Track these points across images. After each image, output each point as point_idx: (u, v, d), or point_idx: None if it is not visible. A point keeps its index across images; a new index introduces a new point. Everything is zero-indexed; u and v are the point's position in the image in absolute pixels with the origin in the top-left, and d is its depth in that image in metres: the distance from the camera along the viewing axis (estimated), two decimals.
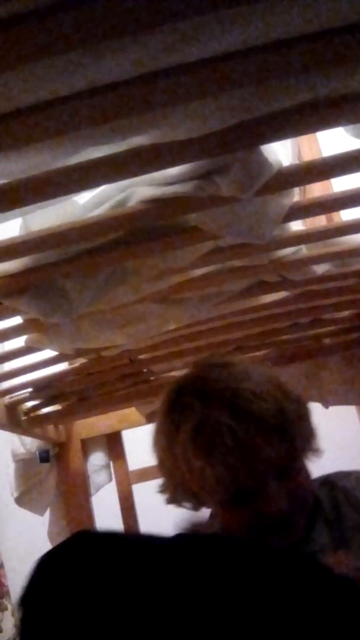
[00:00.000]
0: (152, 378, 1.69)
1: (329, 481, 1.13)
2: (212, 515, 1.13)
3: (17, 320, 1.06)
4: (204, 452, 0.96)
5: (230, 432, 0.94)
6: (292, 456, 1.00)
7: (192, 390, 1.02)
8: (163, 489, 1.10)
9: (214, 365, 1.07)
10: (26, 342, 1.17)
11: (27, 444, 1.85)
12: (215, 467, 0.95)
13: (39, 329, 1.10)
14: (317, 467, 1.13)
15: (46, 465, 1.92)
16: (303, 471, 1.03)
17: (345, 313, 1.43)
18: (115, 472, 2.11)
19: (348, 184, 0.88)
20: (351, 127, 0.73)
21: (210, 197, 0.75)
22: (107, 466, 2.10)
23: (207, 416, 0.97)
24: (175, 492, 1.07)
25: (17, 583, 2.86)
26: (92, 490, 2.05)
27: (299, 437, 1.01)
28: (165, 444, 1.03)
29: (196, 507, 1.09)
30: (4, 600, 2.81)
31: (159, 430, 1.06)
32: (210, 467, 0.95)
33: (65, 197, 0.77)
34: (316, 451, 1.05)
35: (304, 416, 1.05)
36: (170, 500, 1.10)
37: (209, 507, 1.09)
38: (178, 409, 1.02)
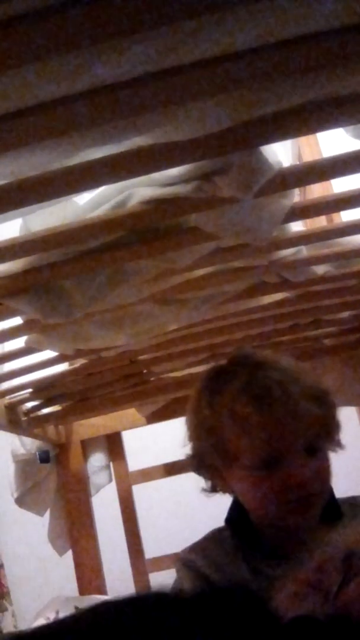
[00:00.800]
0: (152, 379, 1.69)
1: (352, 501, 1.14)
2: (234, 504, 1.13)
3: (17, 320, 1.06)
4: (253, 400, 0.98)
5: (279, 387, 0.98)
6: (325, 432, 1.03)
7: (236, 362, 1.07)
8: (194, 454, 1.10)
9: (255, 350, 1.14)
10: (26, 342, 1.17)
11: (27, 445, 1.85)
12: (262, 415, 0.97)
13: (39, 330, 1.10)
14: None
15: (46, 466, 1.92)
16: (327, 460, 1.05)
17: (345, 314, 1.43)
18: (115, 472, 2.11)
19: (348, 184, 0.88)
20: (351, 127, 0.73)
21: (210, 198, 0.75)
22: (107, 467, 2.10)
23: (256, 375, 1.01)
24: (210, 454, 1.06)
25: (17, 584, 2.87)
26: (92, 491, 2.05)
27: (332, 415, 1.05)
28: (207, 403, 1.05)
29: (217, 484, 1.10)
30: (4, 601, 2.81)
31: (204, 393, 1.07)
32: (258, 414, 0.97)
33: (65, 197, 0.77)
34: (339, 445, 1.08)
35: (334, 404, 1.07)
36: (199, 468, 1.11)
37: (229, 486, 1.09)
38: (223, 375, 1.06)
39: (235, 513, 1.11)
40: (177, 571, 1.13)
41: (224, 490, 1.11)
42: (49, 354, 1.28)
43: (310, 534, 0.98)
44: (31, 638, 0.57)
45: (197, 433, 1.09)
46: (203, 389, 1.09)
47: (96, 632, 0.53)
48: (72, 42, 0.51)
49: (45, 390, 1.54)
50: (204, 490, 1.13)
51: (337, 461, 1.06)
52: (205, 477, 1.12)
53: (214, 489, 1.11)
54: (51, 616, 1.67)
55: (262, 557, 1.05)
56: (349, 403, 1.84)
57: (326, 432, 1.04)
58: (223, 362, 1.13)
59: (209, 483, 1.12)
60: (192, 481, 1.12)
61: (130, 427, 2.05)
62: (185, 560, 1.12)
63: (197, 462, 1.10)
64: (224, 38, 0.54)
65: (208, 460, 1.08)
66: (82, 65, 0.53)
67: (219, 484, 1.10)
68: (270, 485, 0.99)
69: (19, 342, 1.19)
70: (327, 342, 1.63)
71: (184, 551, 1.15)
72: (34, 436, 1.81)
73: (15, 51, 0.50)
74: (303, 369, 1.07)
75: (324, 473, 1.03)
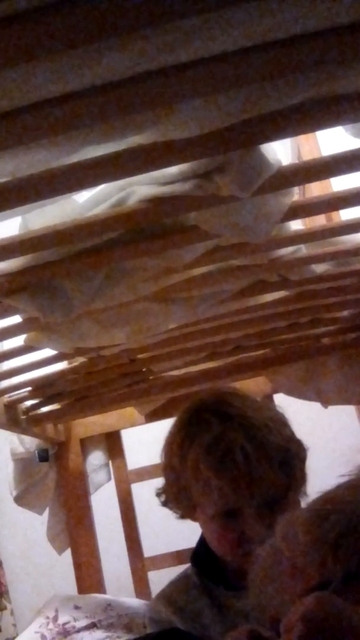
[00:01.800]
0: (151, 377, 1.69)
1: None
2: (201, 538, 1.22)
3: (16, 319, 1.06)
4: (215, 464, 1.05)
5: (242, 453, 1.04)
6: (287, 491, 1.09)
7: (211, 410, 1.13)
8: (162, 492, 1.18)
9: (232, 394, 1.21)
10: (25, 341, 1.17)
11: (26, 443, 1.85)
12: (221, 480, 1.04)
13: (38, 328, 1.10)
14: (317, 467, 1.13)
15: (45, 465, 1.92)
16: (292, 507, 1.09)
17: (345, 313, 1.43)
18: (114, 471, 2.11)
19: (347, 183, 0.88)
20: (351, 126, 0.73)
21: (209, 196, 0.75)
22: (106, 465, 2.10)
23: (223, 434, 1.06)
24: (175, 497, 1.16)
25: (16, 582, 2.87)
26: (91, 489, 2.05)
27: (297, 475, 1.11)
28: (178, 451, 1.12)
29: (185, 515, 1.19)
30: (2, 599, 2.81)
31: (174, 440, 1.16)
32: (217, 479, 1.04)
33: (64, 195, 0.77)
34: (304, 495, 1.14)
35: (303, 458, 1.14)
36: (166, 503, 1.20)
37: (195, 519, 1.18)
38: (195, 422, 1.13)
39: (201, 546, 1.17)
40: (148, 627, 1.22)
41: (193, 521, 1.20)
42: (48, 352, 1.28)
43: None
44: None
45: (166, 474, 1.18)
46: (177, 431, 1.17)
47: None
48: (70, 40, 0.51)
49: (44, 389, 1.54)
50: (175, 515, 1.22)
51: (337, 460, 1.06)
52: (173, 511, 1.21)
53: (182, 517, 1.21)
54: (50, 615, 1.67)
55: (225, 588, 1.10)
56: (348, 402, 1.84)
57: (288, 490, 1.09)
58: (203, 399, 1.20)
59: (178, 513, 1.20)
60: None
61: (130, 426, 2.05)
62: (152, 613, 1.21)
63: (165, 499, 1.20)
64: (223, 36, 0.54)
65: (173, 500, 1.18)
66: (80, 63, 0.53)
67: (186, 516, 1.20)
68: (230, 535, 1.08)
69: (18, 341, 1.19)
70: (326, 340, 1.64)
71: (152, 601, 1.26)
72: (33, 434, 1.81)
73: (13, 49, 0.50)
74: (276, 422, 1.12)
75: None
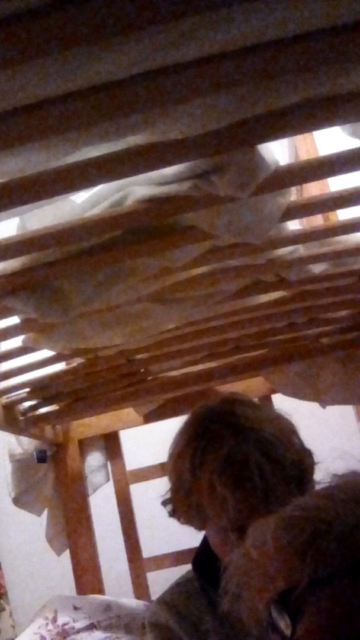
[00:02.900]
0: (149, 378, 1.69)
1: None
2: (203, 541, 1.22)
3: (14, 320, 1.06)
4: (230, 482, 1.03)
5: (258, 469, 1.02)
6: None
7: (222, 421, 1.11)
8: (170, 503, 1.18)
9: (239, 401, 1.17)
10: (23, 342, 1.17)
11: (24, 444, 1.85)
12: (237, 497, 1.03)
13: (36, 329, 1.10)
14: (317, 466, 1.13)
15: (43, 466, 1.92)
16: None
17: (342, 313, 1.43)
18: (112, 472, 2.11)
19: (345, 183, 0.88)
20: (348, 126, 0.73)
21: (207, 197, 0.75)
22: (105, 466, 2.10)
23: (237, 449, 1.05)
24: (186, 512, 1.14)
25: (14, 583, 2.86)
26: (90, 490, 2.05)
27: (309, 489, 1.09)
28: (189, 466, 1.10)
29: (193, 526, 1.17)
30: (1, 600, 2.80)
31: (183, 453, 1.13)
32: (233, 496, 1.03)
33: (62, 196, 0.77)
34: None
35: (313, 471, 1.12)
36: (173, 514, 1.18)
37: (202, 529, 1.17)
38: (206, 435, 1.10)
39: (203, 551, 1.16)
40: (147, 631, 1.21)
41: (199, 530, 1.19)
42: (46, 353, 1.28)
43: None
44: None
45: (175, 488, 1.16)
46: (188, 444, 1.13)
47: None
48: (69, 40, 0.51)
49: (42, 390, 1.54)
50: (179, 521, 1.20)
51: (336, 460, 1.06)
52: (179, 521, 1.19)
53: (188, 525, 1.19)
54: (49, 616, 1.67)
55: None
56: (345, 402, 1.84)
57: None
58: (210, 406, 1.17)
59: (182, 521, 1.19)
60: None
61: (128, 427, 2.05)
62: (152, 618, 1.20)
63: (172, 509, 1.18)
64: (220, 36, 0.54)
65: (183, 512, 1.15)
66: (79, 63, 0.53)
67: (193, 526, 1.18)
68: (236, 546, 1.03)
69: (16, 342, 1.19)
70: (324, 340, 1.64)
71: (152, 605, 1.25)
72: (31, 436, 1.81)
73: (12, 49, 0.50)
74: (287, 433, 1.10)
75: None
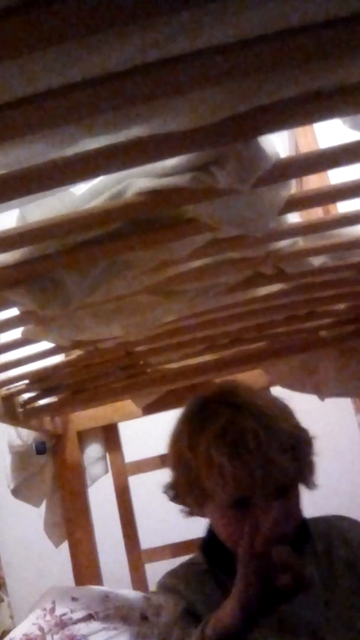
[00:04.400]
0: (148, 370, 1.69)
1: (325, 519, 1.21)
2: (208, 530, 1.20)
3: (13, 311, 1.06)
4: (227, 450, 1.04)
5: (254, 437, 1.03)
6: (295, 478, 1.09)
7: (220, 400, 1.13)
8: (171, 486, 1.18)
9: (236, 385, 1.20)
10: (23, 333, 1.17)
11: (23, 436, 1.86)
12: (235, 465, 1.03)
13: (35, 321, 1.10)
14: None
15: (42, 457, 1.92)
16: (297, 497, 1.11)
17: (342, 305, 1.43)
18: (111, 463, 2.12)
19: (345, 175, 0.88)
20: (348, 118, 0.73)
21: (207, 189, 0.75)
22: (103, 458, 2.10)
23: (234, 420, 1.06)
24: (186, 489, 1.14)
25: (13, 575, 2.87)
26: (89, 482, 2.05)
27: (306, 462, 1.11)
28: (188, 441, 1.11)
29: (194, 511, 1.17)
30: (0, 591, 2.81)
31: (182, 430, 1.15)
32: (231, 464, 1.03)
33: (62, 188, 0.77)
34: (312, 485, 1.14)
35: (311, 446, 1.13)
36: (175, 498, 1.18)
37: (205, 513, 1.15)
38: (205, 412, 1.12)
39: (210, 537, 1.16)
40: (160, 596, 1.20)
41: (201, 517, 1.18)
42: (45, 345, 1.28)
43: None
44: None
45: (175, 467, 1.16)
46: (186, 422, 1.15)
47: None
48: (69, 32, 0.50)
49: (41, 382, 1.54)
50: (182, 512, 1.20)
51: (333, 451, 1.07)
52: (182, 505, 1.19)
53: (191, 514, 1.19)
54: (47, 606, 1.68)
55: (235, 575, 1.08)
56: (344, 394, 1.84)
57: (297, 477, 1.10)
58: (208, 392, 1.19)
59: (186, 509, 1.19)
60: None
61: (127, 419, 2.05)
62: (167, 585, 1.19)
63: (174, 494, 1.18)
64: (221, 28, 0.54)
65: (183, 493, 1.15)
66: (79, 55, 0.53)
67: (195, 512, 1.18)
68: (240, 525, 1.04)
69: (16, 333, 1.19)
70: (323, 333, 1.64)
71: (165, 577, 1.22)
72: (31, 427, 1.81)
73: (12, 41, 0.50)
74: (283, 411, 1.12)
75: (293, 511, 1.09)
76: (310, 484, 1.13)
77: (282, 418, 1.09)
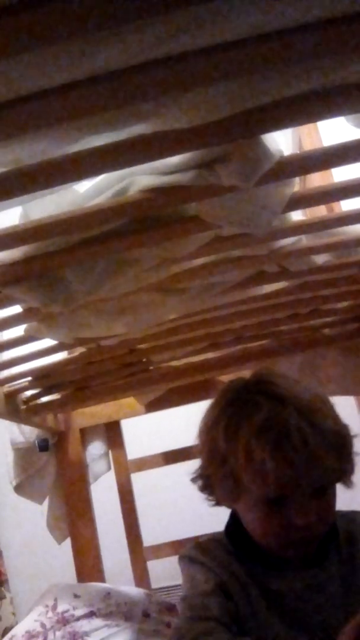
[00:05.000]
0: (151, 367, 1.69)
1: (351, 517, 1.15)
2: (232, 517, 1.15)
3: (16, 309, 1.06)
4: (270, 445, 0.98)
5: (299, 434, 0.97)
6: (337, 478, 1.03)
7: (258, 390, 1.05)
8: (201, 476, 1.11)
9: (276, 375, 1.11)
10: (25, 331, 1.17)
11: (26, 433, 1.86)
12: (277, 462, 0.97)
13: (38, 318, 1.10)
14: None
15: (45, 454, 1.92)
16: (334, 497, 1.05)
17: (345, 303, 1.43)
18: (113, 461, 2.12)
19: (348, 173, 0.88)
20: (352, 116, 0.73)
21: (210, 187, 0.75)
22: (106, 455, 2.11)
23: (276, 414, 0.99)
24: (220, 482, 1.08)
25: (15, 571, 2.88)
26: (91, 479, 2.06)
27: (348, 462, 1.05)
28: (225, 433, 1.05)
29: (225, 502, 1.11)
30: (2, 588, 2.82)
31: (218, 421, 1.07)
32: (274, 461, 0.97)
33: (65, 185, 0.77)
34: (351, 482, 1.07)
35: (353, 445, 1.07)
36: (205, 488, 1.12)
37: (236, 505, 1.11)
38: (242, 402, 1.05)
39: (233, 526, 1.12)
40: (186, 567, 1.14)
41: (229, 507, 1.13)
42: (48, 342, 1.29)
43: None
44: None
45: (209, 458, 1.09)
46: (221, 412, 1.08)
47: None
48: (72, 29, 0.50)
49: (44, 379, 1.54)
50: (208, 501, 1.14)
51: None
52: (209, 496, 1.13)
53: (218, 504, 1.13)
54: (49, 603, 1.68)
55: (260, 567, 1.07)
56: (347, 392, 1.84)
57: (338, 478, 1.04)
58: (244, 379, 1.12)
59: (213, 499, 1.13)
60: (191, 469, 1.12)
61: (129, 416, 2.05)
62: (191, 557, 1.13)
63: (204, 483, 1.12)
64: (225, 26, 0.53)
65: (215, 484, 1.09)
66: (82, 52, 0.53)
67: (223, 503, 1.12)
68: (275, 522, 1.01)
69: (19, 331, 1.19)
70: (326, 331, 1.64)
71: (186, 549, 1.16)
72: (33, 424, 1.81)
73: (15, 38, 0.50)
74: (325, 406, 1.05)
75: (329, 512, 1.04)
76: (349, 483, 1.07)
77: (327, 414, 1.03)
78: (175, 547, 2.00)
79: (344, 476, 1.05)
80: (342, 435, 1.03)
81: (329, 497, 1.03)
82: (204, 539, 1.18)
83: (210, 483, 1.10)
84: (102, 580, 1.94)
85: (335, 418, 1.05)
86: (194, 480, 1.12)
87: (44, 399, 1.69)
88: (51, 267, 0.92)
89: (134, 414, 2.02)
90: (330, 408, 1.07)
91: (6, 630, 2.54)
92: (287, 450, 0.97)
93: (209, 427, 1.09)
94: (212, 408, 1.10)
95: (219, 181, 0.73)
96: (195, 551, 1.14)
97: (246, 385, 1.09)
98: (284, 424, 0.98)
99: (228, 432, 1.04)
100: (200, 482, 1.12)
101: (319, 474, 0.99)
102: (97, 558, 1.98)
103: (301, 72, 0.61)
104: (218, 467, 1.06)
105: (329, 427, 1.00)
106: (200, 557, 1.11)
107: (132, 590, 1.81)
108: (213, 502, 1.13)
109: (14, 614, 2.79)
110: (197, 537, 1.30)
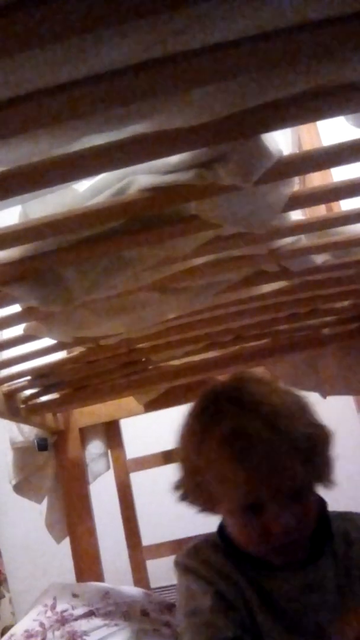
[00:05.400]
0: (150, 367, 1.69)
1: (347, 517, 1.15)
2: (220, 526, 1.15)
3: (15, 308, 1.06)
4: (237, 456, 0.98)
5: (265, 443, 0.97)
6: (310, 481, 1.03)
7: (228, 398, 1.06)
8: (179, 485, 1.12)
9: (250, 380, 1.12)
10: (25, 330, 1.17)
11: (25, 432, 1.86)
12: (245, 472, 0.98)
13: (37, 317, 1.10)
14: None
15: (44, 454, 1.92)
16: (313, 497, 1.05)
17: (344, 303, 1.43)
18: (113, 460, 2.12)
19: (348, 173, 0.88)
20: (352, 116, 0.73)
21: (210, 186, 0.75)
22: (105, 454, 2.11)
23: (243, 424, 1.00)
24: (194, 491, 1.09)
25: (14, 571, 2.88)
26: (90, 478, 2.05)
27: (321, 465, 1.04)
28: (196, 443, 1.06)
29: (205, 510, 1.11)
30: (1, 588, 2.82)
31: (190, 431, 1.09)
32: (239, 470, 0.98)
33: (64, 184, 0.77)
34: (330, 482, 1.06)
35: (328, 445, 1.06)
36: (184, 498, 1.12)
37: (217, 513, 1.11)
38: (212, 412, 1.06)
39: (222, 531, 1.12)
40: (181, 576, 1.13)
41: (213, 514, 1.13)
42: (47, 341, 1.28)
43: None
44: None
45: (183, 468, 1.11)
46: (191, 422, 1.09)
47: None
48: (72, 29, 0.50)
49: (43, 378, 1.54)
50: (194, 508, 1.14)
51: (336, 449, 1.06)
52: (192, 506, 1.13)
53: (203, 511, 1.12)
54: (48, 603, 1.68)
55: (254, 567, 1.06)
56: (347, 392, 1.84)
57: (312, 480, 1.04)
58: (217, 385, 1.13)
59: (197, 508, 1.13)
60: None
61: (129, 415, 2.05)
62: (185, 565, 1.13)
63: (183, 494, 1.12)
64: (225, 25, 0.53)
65: (192, 494, 1.10)
66: (82, 51, 0.53)
67: (206, 511, 1.12)
68: (253, 529, 1.01)
69: (18, 330, 1.19)
70: (325, 331, 1.64)
71: (180, 556, 1.16)
72: (32, 424, 1.81)
73: (15, 37, 0.50)
74: (297, 407, 1.05)
75: (308, 516, 1.03)
76: (327, 483, 1.06)
77: (296, 416, 1.02)
78: (174, 546, 1.99)
79: (319, 479, 1.05)
80: (313, 439, 1.02)
81: (306, 500, 1.03)
82: (198, 542, 1.18)
83: (187, 493, 1.11)
84: (101, 579, 1.94)
85: (307, 419, 1.05)
86: (175, 489, 1.13)
87: (43, 398, 1.69)
88: (50, 266, 0.92)
89: (133, 413, 2.02)
90: (303, 409, 1.07)
91: (5, 630, 2.53)
92: (252, 459, 0.97)
93: (182, 436, 1.11)
94: (186, 417, 1.11)
95: (218, 180, 0.73)
96: (189, 559, 1.13)
97: (219, 393, 1.09)
98: (248, 432, 0.98)
99: (196, 443, 1.06)
100: (180, 491, 1.12)
101: (288, 480, 0.99)
102: (96, 557, 1.98)
103: (301, 72, 0.61)
104: (190, 477, 1.08)
105: (297, 431, 0.99)
106: (195, 565, 1.11)
107: (131, 589, 1.81)
108: (198, 510, 1.13)
109: (13, 613, 2.79)
110: (196, 537, 1.30)
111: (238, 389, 1.08)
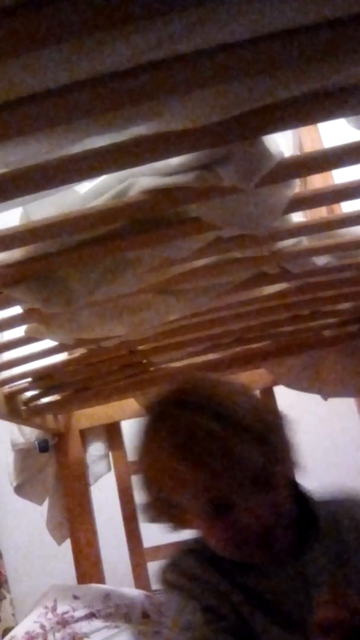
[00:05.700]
0: (151, 369, 1.70)
1: (335, 501, 1.12)
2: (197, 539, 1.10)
3: (17, 310, 1.06)
4: (183, 454, 0.95)
5: (210, 435, 0.93)
6: (271, 464, 0.98)
7: (172, 399, 1.02)
8: (146, 507, 1.07)
9: (196, 378, 1.12)
10: (26, 331, 1.17)
11: (26, 434, 1.86)
12: (196, 470, 0.94)
13: (38, 319, 1.10)
14: (316, 458, 1.13)
15: (45, 455, 1.92)
16: (285, 482, 1.01)
17: (346, 305, 1.43)
18: (114, 462, 2.12)
19: (349, 175, 0.88)
20: (353, 118, 0.73)
21: (211, 188, 0.75)
22: (106, 456, 2.11)
23: (185, 420, 0.96)
24: (159, 508, 1.04)
25: (15, 572, 2.88)
26: (91, 480, 2.05)
27: (278, 445, 1.00)
28: (148, 454, 1.02)
29: (176, 527, 1.07)
30: (2, 589, 2.82)
31: (140, 444, 1.04)
32: (191, 470, 0.94)
33: (65, 186, 0.77)
34: (296, 464, 1.03)
35: (282, 426, 1.03)
36: (154, 519, 1.07)
37: (189, 526, 1.06)
38: (156, 416, 1.02)
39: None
40: (167, 593, 1.10)
41: (188, 530, 1.08)
42: (48, 343, 1.28)
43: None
44: None
45: (144, 486, 1.06)
46: (141, 434, 1.05)
47: None
48: (72, 31, 0.50)
49: (44, 380, 1.54)
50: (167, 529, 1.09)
51: (336, 450, 1.06)
52: (162, 525, 1.08)
53: (176, 530, 1.08)
54: (49, 604, 1.68)
55: (236, 569, 1.04)
56: (347, 394, 1.84)
57: (275, 464, 0.98)
58: (163, 394, 1.08)
59: (167, 526, 1.08)
60: None
61: (129, 417, 2.05)
62: (169, 583, 1.09)
63: (150, 515, 1.07)
64: (225, 27, 0.53)
65: (159, 512, 1.06)
66: (83, 54, 0.53)
67: (178, 528, 1.07)
68: (224, 530, 0.97)
69: (19, 332, 1.19)
70: (326, 333, 1.64)
71: (162, 572, 1.12)
72: (33, 425, 1.81)
73: (15, 39, 0.50)
74: (245, 400, 1.00)
75: (279, 503, 0.99)
76: (294, 466, 1.03)
77: (244, 409, 0.97)
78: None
79: (282, 462, 1.00)
80: (264, 421, 0.98)
81: (274, 487, 0.98)
82: (175, 553, 1.14)
83: (155, 513, 1.06)
84: (102, 581, 1.94)
85: (255, 406, 1.01)
86: (143, 513, 1.08)
87: (44, 400, 1.69)
88: (52, 268, 0.92)
89: (134, 415, 2.02)
90: (252, 398, 1.04)
91: (6, 631, 2.53)
92: (203, 458, 0.93)
93: (137, 454, 1.05)
94: (138, 432, 1.06)
95: (219, 182, 0.73)
96: (172, 574, 1.09)
97: (164, 397, 1.05)
98: (194, 427, 0.95)
99: (143, 455, 1.02)
100: (146, 515, 1.08)
101: (246, 467, 0.94)
102: (97, 559, 1.98)
103: (302, 74, 0.61)
104: (151, 493, 1.04)
105: (244, 418, 0.95)
106: (178, 581, 1.07)
107: (131, 591, 1.81)
108: (171, 530, 1.08)
109: (13, 615, 2.79)
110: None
111: (181, 390, 1.04)
